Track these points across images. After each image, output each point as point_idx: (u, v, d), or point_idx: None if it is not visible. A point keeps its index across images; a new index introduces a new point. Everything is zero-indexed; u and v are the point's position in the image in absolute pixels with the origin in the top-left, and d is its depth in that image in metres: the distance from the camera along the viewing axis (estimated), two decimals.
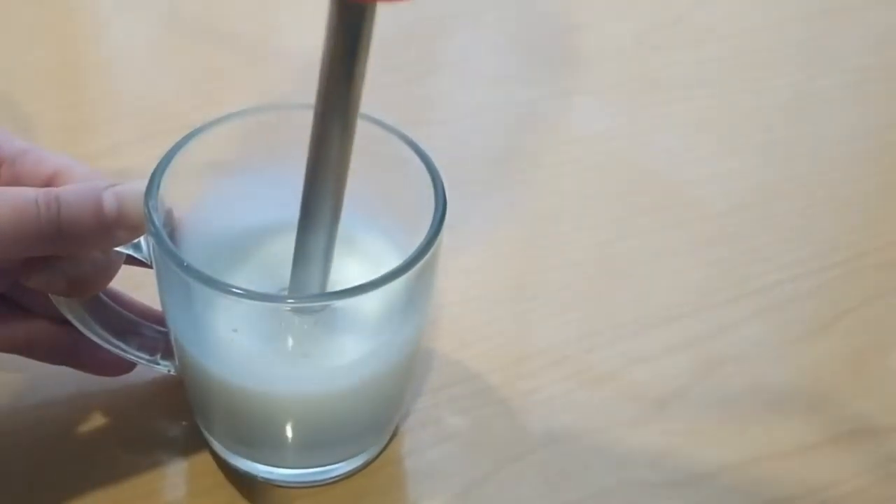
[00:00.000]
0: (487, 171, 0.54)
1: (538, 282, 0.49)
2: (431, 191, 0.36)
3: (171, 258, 0.34)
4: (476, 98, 0.58)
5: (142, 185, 0.35)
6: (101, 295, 0.39)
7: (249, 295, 0.34)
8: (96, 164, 0.52)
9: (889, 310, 0.49)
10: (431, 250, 0.35)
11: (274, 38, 0.61)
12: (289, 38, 0.61)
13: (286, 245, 0.36)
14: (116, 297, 0.41)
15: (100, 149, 0.53)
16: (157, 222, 0.34)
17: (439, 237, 0.35)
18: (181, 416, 0.42)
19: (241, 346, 0.36)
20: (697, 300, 0.48)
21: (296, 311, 0.36)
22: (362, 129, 0.39)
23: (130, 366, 0.41)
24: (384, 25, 0.66)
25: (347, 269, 0.39)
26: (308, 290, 0.35)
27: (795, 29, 0.65)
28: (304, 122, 0.40)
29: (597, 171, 0.54)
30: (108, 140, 0.54)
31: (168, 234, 0.35)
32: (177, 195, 0.36)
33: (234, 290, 0.33)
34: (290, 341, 0.37)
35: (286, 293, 0.36)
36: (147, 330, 0.41)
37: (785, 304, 0.48)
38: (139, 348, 0.40)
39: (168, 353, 0.40)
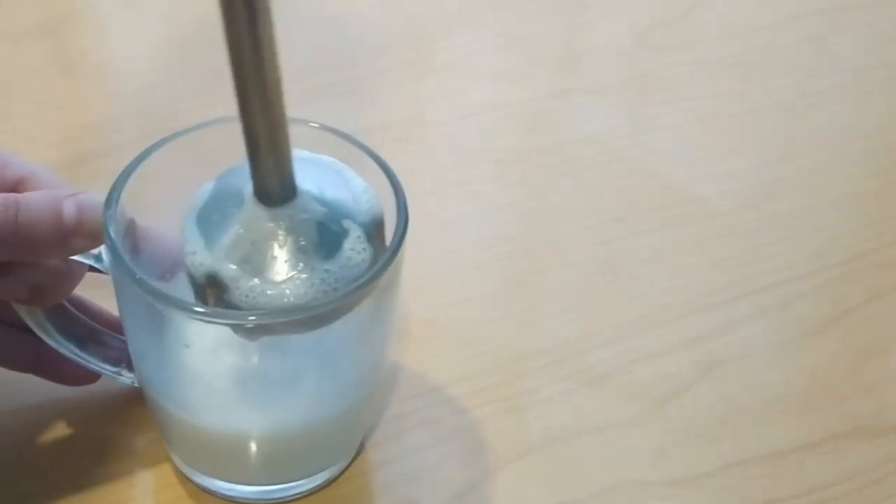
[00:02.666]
0: (487, 171, 0.54)
1: (538, 282, 0.49)
2: (394, 203, 0.35)
3: (124, 270, 0.33)
4: (476, 98, 0.58)
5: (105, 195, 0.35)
6: (65, 303, 0.38)
7: (199, 312, 0.33)
8: (96, 164, 0.52)
9: (889, 310, 0.49)
10: (391, 266, 0.34)
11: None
12: (289, 37, 0.61)
13: None
14: (82, 306, 0.40)
15: (100, 149, 0.53)
16: (112, 233, 0.34)
17: (401, 252, 0.34)
18: (146, 427, 0.41)
19: (194, 364, 0.35)
20: (697, 300, 0.48)
21: (254, 329, 0.34)
22: (325, 141, 0.37)
23: (95, 376, 0.40)
24: (384, 25, 0.67)
25: None
26: (269, 185, 0.33)
27: (795, 29, 0.65)
28: None
29: (597, 171, 0.54)
30: (108, 140, 0.54)
31: (130, 244, 0.34)
32: (144, 205, 0.36)
33: (183, 305, 0.33)
34: (245, 360, 0.36)
35: (243, 311, 0.34)
36: (112, 340, 0.40)
37: (785, 304, 0.48)
38: (103, 359, 0.39)
39: (132, 365, 0.39)
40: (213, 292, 0.33)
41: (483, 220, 0.52)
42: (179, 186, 0.35)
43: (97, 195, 0.35)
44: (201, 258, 0.33)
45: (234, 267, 0.32)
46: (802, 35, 0.65)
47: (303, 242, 0.33)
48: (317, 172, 0.34)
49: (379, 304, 0.35)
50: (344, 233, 0.33)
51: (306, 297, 0.32)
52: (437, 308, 0.47)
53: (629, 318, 0.47)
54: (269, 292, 0.32)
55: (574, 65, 0.62)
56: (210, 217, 0.33)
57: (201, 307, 0.33)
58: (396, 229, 0.35)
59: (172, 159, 0.36)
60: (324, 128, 0.38)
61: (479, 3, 0.65)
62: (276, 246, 0.33)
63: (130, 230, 0.36)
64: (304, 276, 0.33)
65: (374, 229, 0.34)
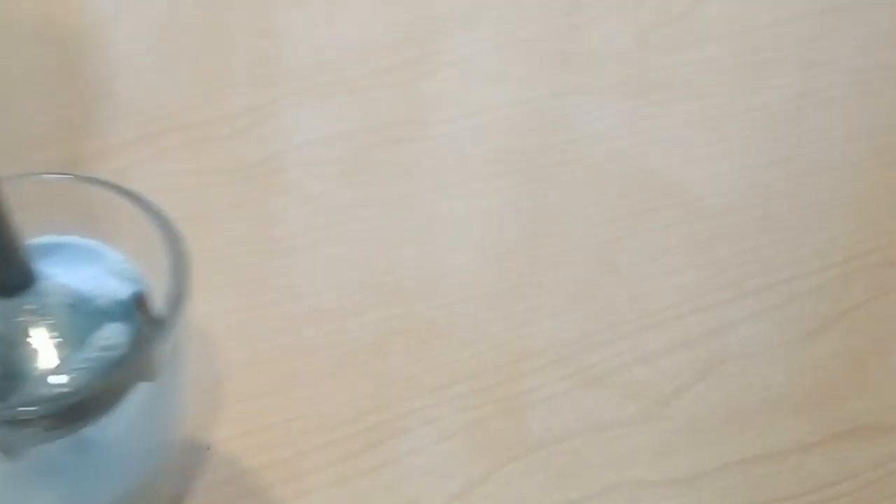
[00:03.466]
0: (487, 171, 0.54)
1: (538, 282, 0.49)
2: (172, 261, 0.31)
3: None
4: (476, 98, 0.58)
5: None
6: None
7: None
8: (96, 164, 0.52)
9: (889, 310, 0.49)
10: (170, 336, 0.29)
11: (274, 38, 0.61)
12: (289, 38, 0.61)
13: None
14: None
15: (100, 149, 0.53)
16: None
17: (179, 321, 0.29)
18: None
19: None
20: (697, 300, 0.48)
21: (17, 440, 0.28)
22: (78, 193, 0.33)
23: None
24: (384, 25, 0.67)
25: None
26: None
27: (795, 29, 0.65)
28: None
29: (597, 171, 0.54)
30: (108, 140, 0.54)
31: None
32: None
33: None
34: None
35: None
36: None
37: (785, 304, 0.48)
38: None
39: None
40: None
41: (483, 220, 0.52)
42: None
43: None
44: None
45: None
46: (802, 35, 0.65)
47: (50, 332, 0.29)
48: (65, 253, 0.31)
49: (161, 378, 0.31)
50: (98, 313, 0.30)
51: (62, 392, 0.28)
52: (437, 308, 0.47)
53: (629, 318, 0.47)
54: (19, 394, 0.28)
55: (574, 65, 0.62)
56: None
57: None
58: (171, 292, 0.30)
59: None
60: (80, 179, 0.33)
61: (479, 3, 0.65)
62: (17, 341, 0.29)
63: None
64: (56, 369, 0.29)
65: (133, 304, 0.31)
